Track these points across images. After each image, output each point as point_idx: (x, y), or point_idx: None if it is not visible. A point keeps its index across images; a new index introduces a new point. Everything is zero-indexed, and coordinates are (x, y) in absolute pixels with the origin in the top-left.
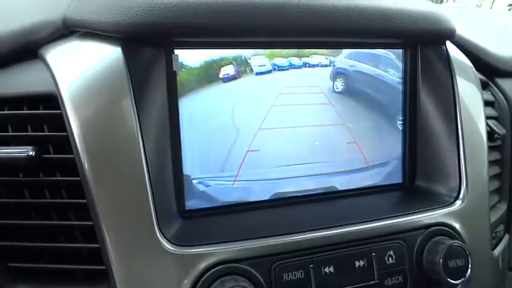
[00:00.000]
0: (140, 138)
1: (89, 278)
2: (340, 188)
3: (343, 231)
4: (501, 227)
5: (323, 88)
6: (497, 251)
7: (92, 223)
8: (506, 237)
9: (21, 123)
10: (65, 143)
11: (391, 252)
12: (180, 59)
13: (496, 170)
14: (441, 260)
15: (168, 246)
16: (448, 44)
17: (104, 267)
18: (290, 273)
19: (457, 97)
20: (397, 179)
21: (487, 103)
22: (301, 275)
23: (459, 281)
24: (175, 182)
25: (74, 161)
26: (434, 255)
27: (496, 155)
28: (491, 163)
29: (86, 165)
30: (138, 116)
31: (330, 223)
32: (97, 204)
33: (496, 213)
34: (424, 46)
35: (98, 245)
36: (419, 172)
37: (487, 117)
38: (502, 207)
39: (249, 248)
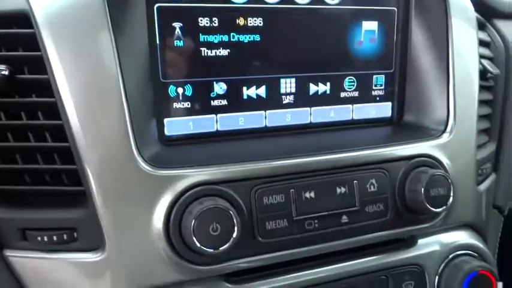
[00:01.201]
0: (117, 54)
1: (69, 202)
2: (328, 121)
3: (325, 158)
4: (488, 165)
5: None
6: (482, 187)
7: (68, 144)
8: (493, 176)
9: None
10: (40, 64)
11: (373, 181)
12: None
13: (487, 110)
14: (423, 189)
15: (146, 167)
16: None
17: (82, 188)
18: (270, 197)
19: (450, 32)
20: (386, 113)
21: (482, 43)
22: (282, 199)
23: (440, 209)
24: (155, 106)
25: (49, 82)
26: (416, 184)
27: (487, 95)
28: (483, 103)
29: (61, 86)
30: (114, 35)
31: (313, 151)
32: (73, 126)
33: (484, 152)
34: None
35: (75, 167)
36: (408, 107)
37: (482, 57)
38: (491, 147)
39: (229, 171)
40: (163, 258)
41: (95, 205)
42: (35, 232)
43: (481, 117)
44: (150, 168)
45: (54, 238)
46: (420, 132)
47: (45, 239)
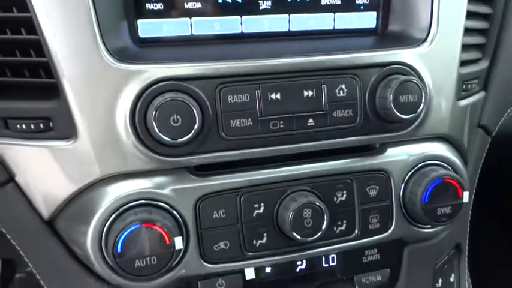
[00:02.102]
0: None
1: (46, 95)
2: (307, 29)
3: (293, 60)
4: (475, 81)
5: None
6: (464, 102)
7: (38, 37)
8: (482, 94)
9: None
10: None
11: (343, 86)
12: None
13: (483, 24)
14: (392, 95)
15: (110, 59)
16: None
17: (54, 80)
18: (235, 96)
19: None
20: (370, 23)
21: None
22: (247, 99)
23: (409, 116)
24: (125, 5)
25: None
26: (386, 90)
27: (485, 9)
28: (479, 16)
29: None
30: None
31: (281, 54)
32: (40, 19)
33: (474, 67)
34: None
35: (46, 59)
36: (394, 17)
37: None
38: (483, 64)
39: (194, 67)
40: (131, 148)
41: (66, 96)
42: (16, 121)
43: (475, 31)
44: (114, 61)
45: (32, 126)
46: (402, 42)
47: (24, 127)
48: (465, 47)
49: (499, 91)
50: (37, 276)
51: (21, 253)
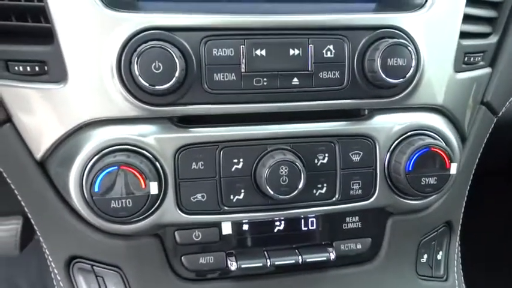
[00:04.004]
0: None
1: (43, 40)
2: None
3: (280, 17)
4: (480, 55)
5: None
6: (463, 75)
7: None
8: (487, 70)
9: None
10: None
11: (331, 47)
12: None
13: None
14: (379, 58)
15: (100, 5)
16: None
17: (49, 24)
18: (220, 49)
19: None
20: None
21: None
22: (231, 53)
23: (397, 80)
24: None
25: None
26: (374, 52)
27: None
28: None
29: None
30: None
31: (270, 11)
32: None
33: (480, 41)
34: None
35: (42, 3)
36: None
37: None
38: (492, 39)
39: (181, 18)
40: (116, 94)
41: (58, 40)
42: (16, 63)
43: (486, 3)
44: (103, 7)
45: (28, 69)
46: (400, 7)
47: (21, 69)
48: (472, 19)
49: (507, 69)
50: (28, 214)
51: (15, 191)
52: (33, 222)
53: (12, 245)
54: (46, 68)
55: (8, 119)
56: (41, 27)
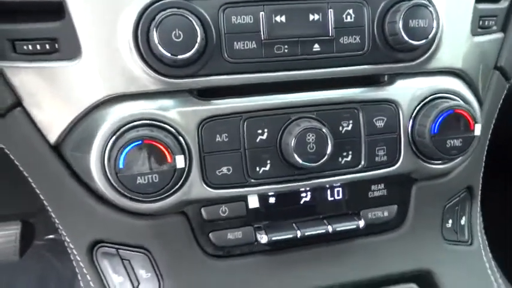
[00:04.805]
0: None
1: (52, 17)
2: None
3: None
4: (493, 19)
5: None
6: (480, 38)
7: None
8: (500, 34)
9: None
10: None
11: (351, 11)
12: None
13: None
14: (401, 20)
15: None
16: None
17: None
18: (239, 17)
19: None
20: None
21: None
22: (250, 20)
23: (419, 42)
24: None
25: None
26: (395, 14)
27: None
28: None
29: None
30: None
31: None
32: None
33: (490, 5)
34: None
35: None
36: None
37: None
38: (503, 3)
39: None
40: (134, 67)
41: (70, 15)
42: (23, 42)
43: None
44: None
45: (38, 47)
46: None
47: (30, 47)
48: None
49: None
50: (44, 202)
51: (29, 179)
52: (50, 210)
53: (12, 250)
54: (57, 45)
55: (18, 103)
56: (51, 2)
